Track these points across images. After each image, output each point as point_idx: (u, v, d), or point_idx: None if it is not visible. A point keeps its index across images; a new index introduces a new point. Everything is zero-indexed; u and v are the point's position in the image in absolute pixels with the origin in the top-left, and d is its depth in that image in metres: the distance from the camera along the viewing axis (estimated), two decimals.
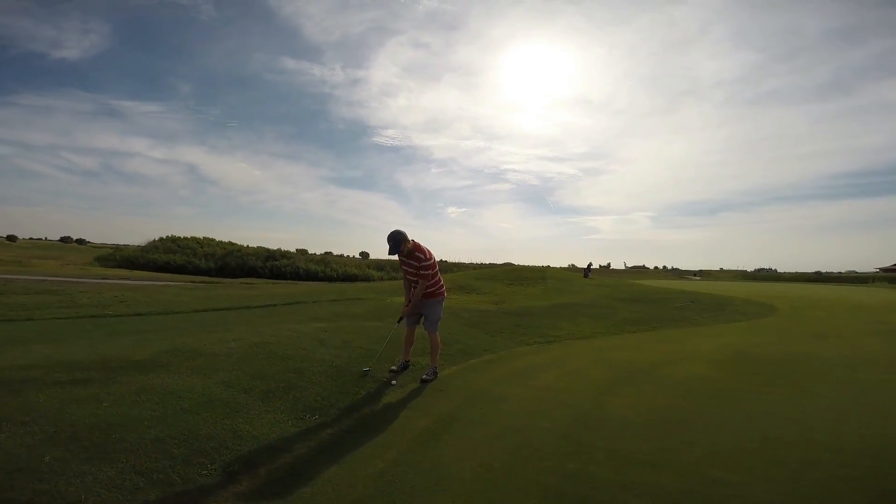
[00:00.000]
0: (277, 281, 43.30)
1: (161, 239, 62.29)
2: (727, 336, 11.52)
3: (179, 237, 63.25)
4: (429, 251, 6.48)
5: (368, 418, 5.18)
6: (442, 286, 6.82)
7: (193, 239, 63.38)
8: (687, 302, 17.98)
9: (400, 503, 3.43)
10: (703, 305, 17.35)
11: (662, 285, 28.53)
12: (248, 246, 64.26)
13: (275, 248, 64.43)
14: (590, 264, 32.78)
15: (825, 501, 3.35)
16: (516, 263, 34.79)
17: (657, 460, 4.12)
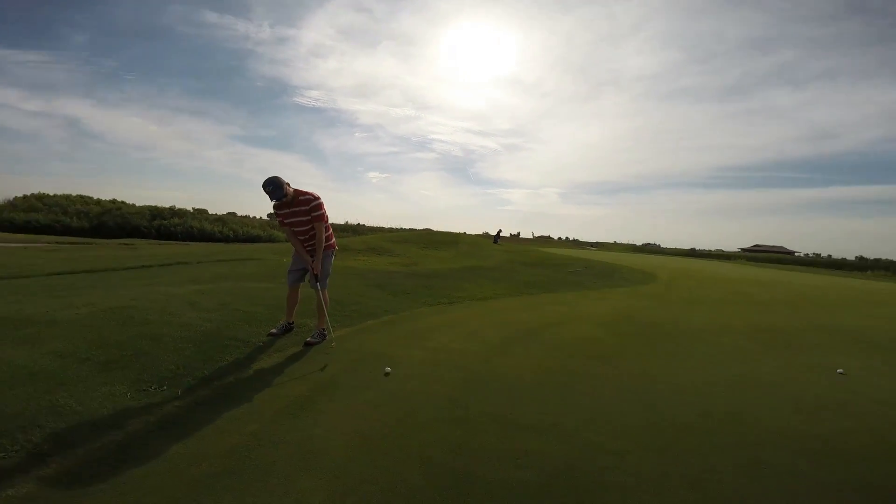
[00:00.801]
0: (165, 242, 38.54)
1: (24, 196, 51.93)
2: (613, 300, 12.43)
3: (48, 194, 53.15)
4: (315, 193, 5.75)
5: (231, 388, 4.52)
6: (333, 236, 6.16)
7: (65, 196, 53.59)
8: (581, 268, 19.24)
9: (249, 483, 2.95)
10: (595, 272, 18.72)
11: (563, 253, 30.45)
12: (131, 204, 56.14)
13: (167, 206, 57.08)
14: (499, 231, 33.94)
15: (698, 471, 3.38)
16: (435, 229, 34.56)
17: (541, 425, 4.05)
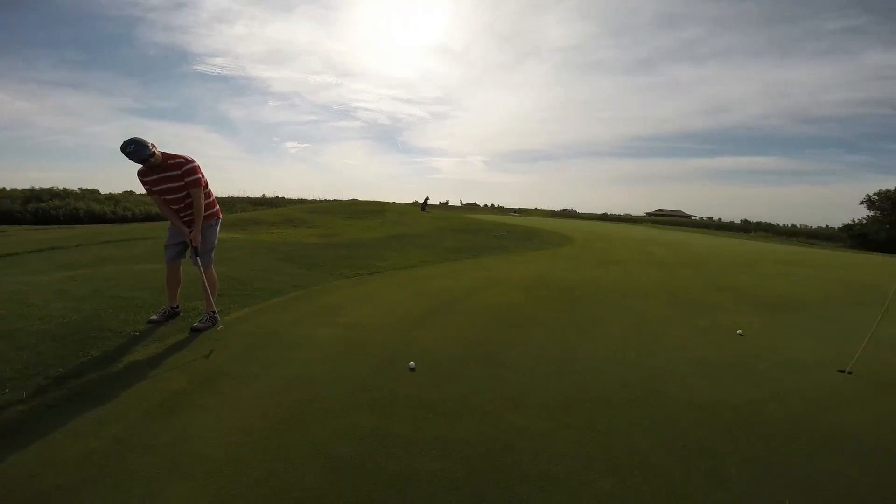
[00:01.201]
0: (45, 227, 33.06)
1: None
2: (533, 263, 12.73)
3: None
4: (188, 157, 4.86)
5: (94, 385, 3.82)
6: (216, 204, 5.33)
7: None
8: (505, 232, 19.58)
9: (105, 494, 2.48)
10: (517, 236, 19.19)
11: (488, 219, 30.91)
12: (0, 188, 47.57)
13: (46, 187, 49.02)
14: (427, 198, 33.47)
15: (622, 453, 3.26)
16: (362, 199, 33.11)
17: (459, 407, 3.81)
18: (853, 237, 34.40)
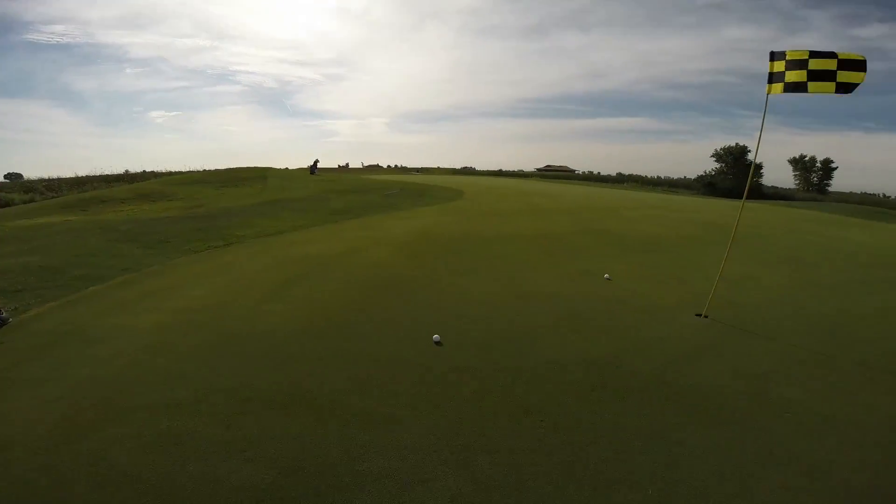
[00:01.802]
0: None
1: None
2: (420, 218, 12.41)
3: None
4: None
5: None
6: None
7: None
8: (397, 190, 18.98)
9: None
10: (409, 192, 18.71)
11: (384, 178, 29.88)
12: None
13: None
14: (316, 161, 31.06)
15: (470, 438, 2.94)
16: (241, 167, 29.60)
17: (291, 397, 3.28)
18: (704, 186, 39.99)
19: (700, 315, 5.51)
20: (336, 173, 40.21)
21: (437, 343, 4.36)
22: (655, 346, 4.54)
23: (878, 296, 7.04)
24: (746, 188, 6.39)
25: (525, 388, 3.58)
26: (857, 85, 4.33)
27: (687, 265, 8.33)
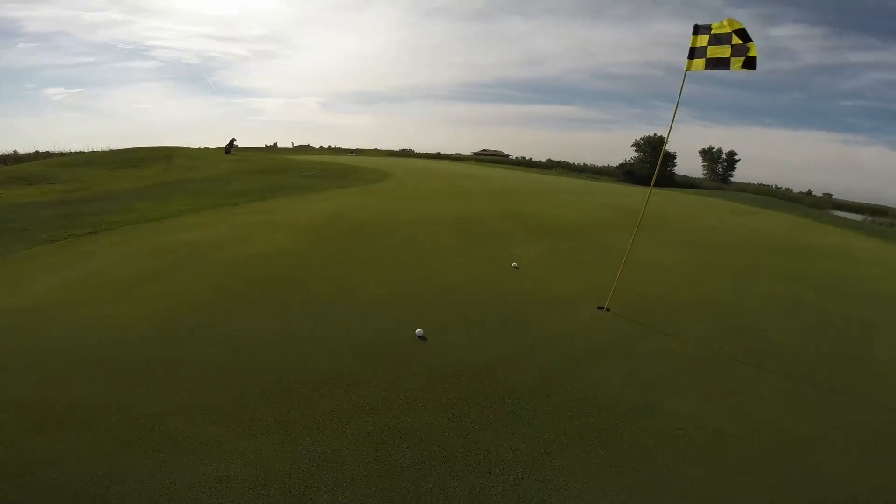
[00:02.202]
0: None
1: None
2: (334, 201, 11.54)
3: None
4: None
5: None
6: None
7: None
8: (317, 171, 17.77)
9: None
10: (331, 174, 17.58)
11: (308, 158, 28.15)
12: None
13: None
14: (232, 140, 28.61)
15: (321, 468, 2.43)
16: (150, 146, 26.41)
17: (96, 416, 2.62)
18: (625, 173, 42.54)
19: (602, 308, 5.32)
20: (258, 153, 37.47)
21: (421, 338, 4.07)
22: (550, 348, 4.23)
23: (768, 284, 7.43)
24: (655, 175, 6.39)
25: (392, 407, 3.04)
26: (755, 59, 4.24)
27: (597, 251, 8.33)
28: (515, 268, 6.70)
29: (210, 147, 34.77)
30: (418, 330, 4.20)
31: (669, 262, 8.10)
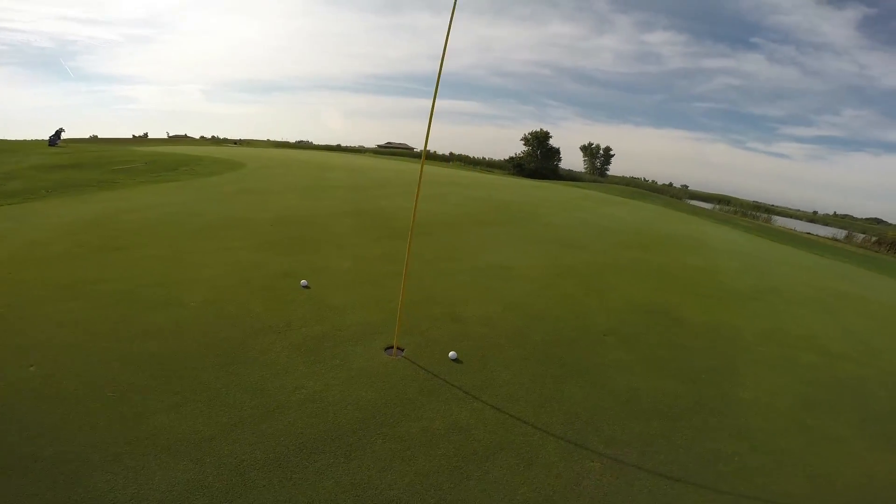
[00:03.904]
0: None
1: None
2: (125, 201, 8.98)
3: None
4: None
5: None
6: None
7: None
8: (142, 164, 14.58)
9: None
10: (161, 165, 14.52)
11: (159, 150, 23.90)
12: None
13: None
14: (59, 130, 23.62)
15: None
16: None
17: None
18: (514, 166, 43.55)
19: (391, 349, 3.88)
20: (98, 144, 31.51)
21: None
22: (266, 430, 2.77)
23: (627, 289, 6.79)
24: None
25: None
26: None
27: (443, 254, 7.11)
28: (305, 287, 5.11)
29: (35, 139, 28.42)
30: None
31: (521, 264, 7.12)
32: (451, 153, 66.43)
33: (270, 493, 2.34)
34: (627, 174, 61.94)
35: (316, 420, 2.93)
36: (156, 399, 2.96)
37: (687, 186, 59.56)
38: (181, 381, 3.17)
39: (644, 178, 62.79)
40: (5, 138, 22.64)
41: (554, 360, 4.16)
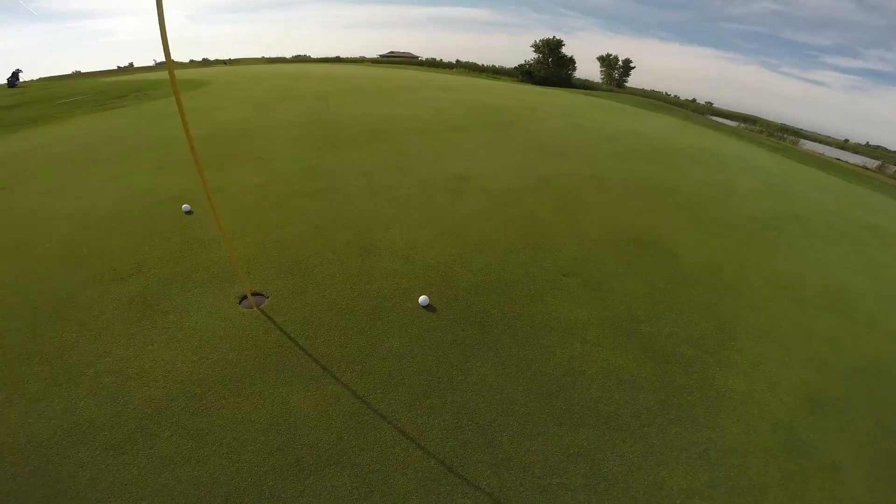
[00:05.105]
0: None
1: None
2: (53, 134, 8.07)
3: None
4: None
5: None
6: None
7: None
8: (87, 97, 13.27)
9: None
10: (110, 94, 13.23)
11: (130, 79, 22.18)
12: None
13: None
14: (16, 71, 22.14)
15: None
16: None
17: None
18: (523, 74, 39.93)
19: (245, 301, 3.01)
20: (69, 80, 29.74)
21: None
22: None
23: (608, 206, 5.53)
24: None
25: None
26: None
27: (391, 164, 6.04)
28: (187, 213, 4.24)
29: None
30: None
31: (483, 175, 5.98)
32: (457, 60, 61.49)
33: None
34: (648, 87, 56.54)
35: (100, 401, 2.21)
36: None
37: (711, 104, 54.03)
38: None
39: (665, 93, 57.11)
40: None
41: (476, 315, 3.11)
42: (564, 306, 3.31)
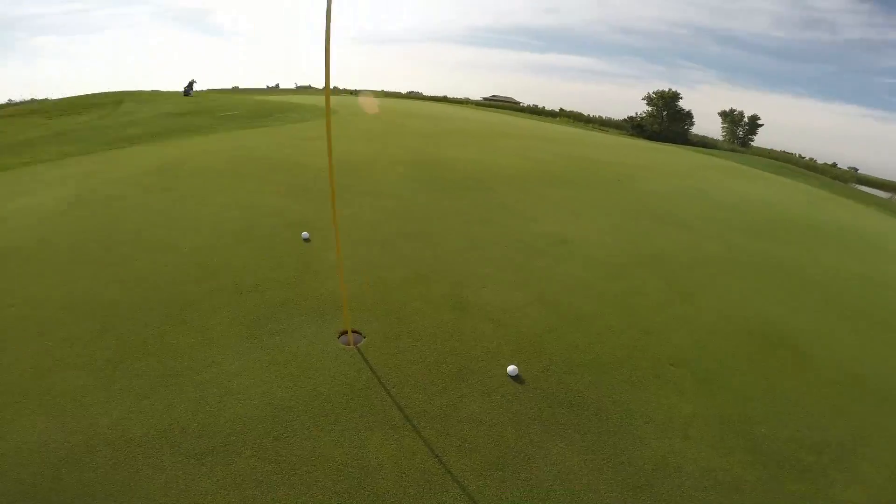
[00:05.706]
0: None
1: None
2: (211, 145, 9.40)
3: None
4: None
5: None
6: None
7: None
8: (243, 111, 15.47)
9: None
10: (259, 112, 15.28)
11: (275, 99, 25.54)
12: None
13: None
14: (192, 81, 25.89)
15: None
16: (101, 92, 24.42)
17: None
18: (633, 127, 38.58)
19: (344, 336, 3.12)
20: (223, 94, 34.89)
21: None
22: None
23: (729, 290, 5.04)
24: None
25: None
26: None
27: (483, 216, 6.12)
28: (306, 240, 4.61)
29: (165, 90, 32.12)
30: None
31: (586, 240, 5.72)
32: (560, 109, 61.73)
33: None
34: (778, 147, 50.98)
35: (197, 409, 2.40)
36: (63, 350, 2.68)
37: (856, 169, 46.75)
38: (108, 335, 2.86)
39: (799, 155, 51.12)
40: (143, 89, 25.64)
41: (566, 394, 2.89)
42: (668, 397, 2.98)
